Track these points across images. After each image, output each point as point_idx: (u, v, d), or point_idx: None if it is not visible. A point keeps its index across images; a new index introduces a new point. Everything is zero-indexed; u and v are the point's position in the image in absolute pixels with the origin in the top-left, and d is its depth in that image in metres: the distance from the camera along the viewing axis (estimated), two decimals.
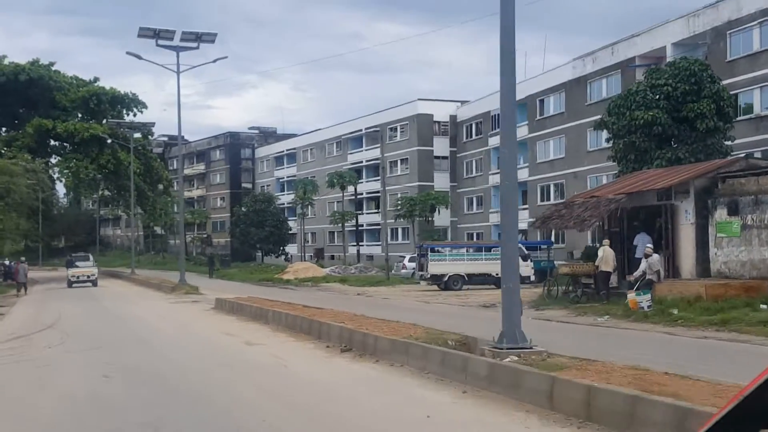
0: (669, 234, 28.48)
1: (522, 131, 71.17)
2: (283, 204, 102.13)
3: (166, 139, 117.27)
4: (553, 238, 65.82)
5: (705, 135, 38.31)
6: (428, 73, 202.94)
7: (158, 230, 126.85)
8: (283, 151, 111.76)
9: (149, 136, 75.30)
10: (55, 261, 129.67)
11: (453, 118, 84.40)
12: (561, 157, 66.08)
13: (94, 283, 55.24)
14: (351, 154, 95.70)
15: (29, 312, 34.03)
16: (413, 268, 55.70)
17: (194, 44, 43.92)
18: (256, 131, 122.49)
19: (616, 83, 59.61)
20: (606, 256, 28.84)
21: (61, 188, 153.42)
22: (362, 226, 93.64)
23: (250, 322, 24.26)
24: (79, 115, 72.67)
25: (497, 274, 46.11)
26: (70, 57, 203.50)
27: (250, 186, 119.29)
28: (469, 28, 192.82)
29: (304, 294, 44.24)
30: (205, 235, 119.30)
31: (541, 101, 69.11)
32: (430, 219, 74.83)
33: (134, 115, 75.17)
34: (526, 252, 47.20)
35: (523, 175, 71.20)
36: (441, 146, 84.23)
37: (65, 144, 72.92)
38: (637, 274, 26.92)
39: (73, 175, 70.08)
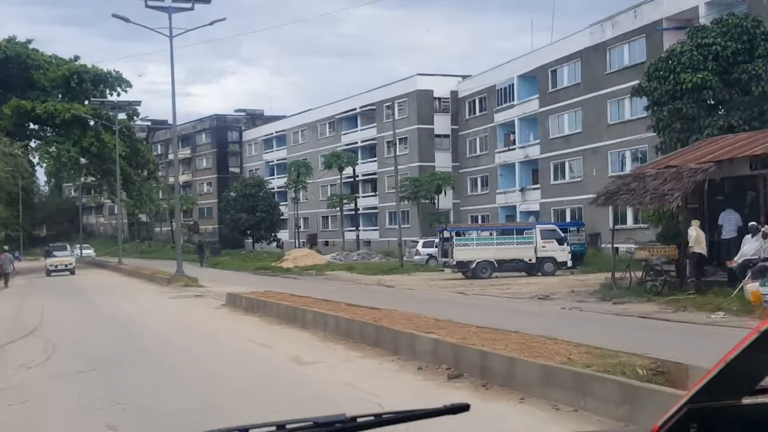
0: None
1: (532, 105, 66.46)
2: (273, 188, 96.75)
3: (149, 123, 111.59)
4: (568, 218, 60.99)
5: (760, 99, 33.57)
6: (408, 57, 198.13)
7: (143, 218, 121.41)
8: (272, 134, 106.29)
9: (135, 117, 69.74)
10: (36, 250, 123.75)
11: (454, 94, 79.26)
12: (577, 132, 61.06)
13: (72, 272, 55.92)
14: (345, 134, 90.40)
15: (7, 310, 28.83)
16: (428, 254, 50.66)
17: (188, 4, 38.53)
18: (243, 114, 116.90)
19: (641, 49, 54.63)
20: (699, 237, 23.84)
21: (41, 175, 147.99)
22: (358, 210, 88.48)
23: (282, 326, 19.04)
24: (60, 96, 67.09)
25: (530, 260, 41.60)
26: (48, 46, 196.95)
27: (237, 170, 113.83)
28: (448, 9, 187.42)
29: (314, 284, 39.13)
30: (191, 222, 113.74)
31: (554, 72, 64.03)
32: (434, 201, 69.59)
33: (118, 95, 69.71)
34: (563, 234, 42.00)
35: (534, 152, 66.51)
36: (442, 124, 79.11)
37: (46, 127, 67.30)
38: (740, 258, 22.01)
39: (55, 159, 64.61)
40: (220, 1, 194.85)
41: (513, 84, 69.14)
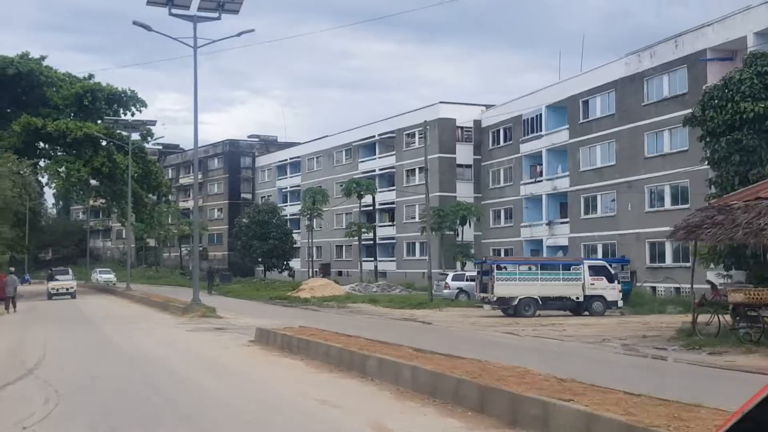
0: None
1: (561, 136, 63.25)
2: (286, 215, 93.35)
3: (160, 147, 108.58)
4: (600, 254, 57.58)
5: None
6: (418, 91, 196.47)
7: (151, 242, 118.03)
8: (286, 160, 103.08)
9: (149, 137, 66.52)
10: (41, 273, 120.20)
11: (477, 123, 76.06)
12: (610, 165, 57.76)
13: (73, 295, 56.31)
14: (362, 162, 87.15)
15: (7, 340, 25.34)
16: (458, 288, 47.09)
17: (214, 14, 35.29)
18: (257, 140, 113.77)
19: (681, 80, 51.51)
20: None
21: (50, 197, 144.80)
22: (377, 239, 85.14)
23: (336, 375, 15.42)
24: (72, 114, 63.96)
25: (577, 298, 38.07)
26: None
27: (249, 196, 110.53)
28: (457, 45, 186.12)
29: (341, 319, 35.60)
30: (200, 248, 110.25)
31: (585, 103, 60.83)
32: (457, 233, 66.15)
33: (132, 114, 66.56)
34: (613, 272, 38.38)
35: (563, 184, 63.18)
36: (464, 154, 75.83)
37: (56, 147, 64.08)
38: None
39: (64, 179, 61.29)
40: (232, 30, 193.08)
41: (541, 114, 65.97)
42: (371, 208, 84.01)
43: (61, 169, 62.44)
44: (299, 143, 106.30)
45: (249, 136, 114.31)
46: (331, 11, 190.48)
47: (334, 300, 50.60)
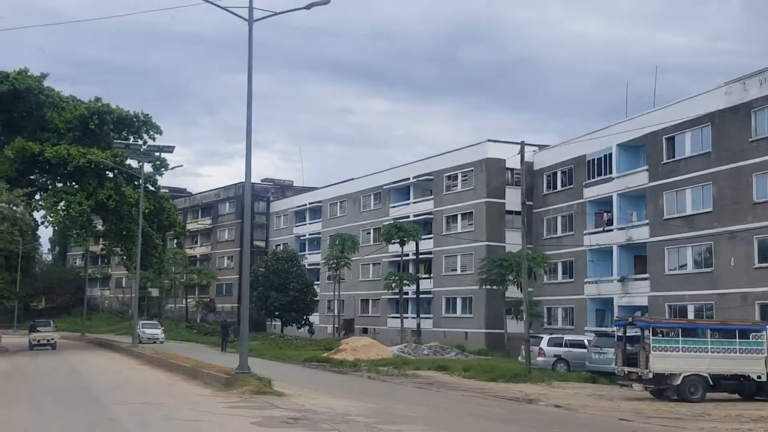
0: None
1: (637, 179, 54.31)
2: (305, 265, 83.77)
3: (167, 191, 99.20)
4: (690, 316, 48.02)
5: None
6: (416, 149, 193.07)
7: (153, 292, 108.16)
8: (305, 205, 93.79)
9: (163, 169, 57.16)
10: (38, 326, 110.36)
11: (528, 165, 66.81)
12: (705, 212, 48.64)
13: (53, 347, 56.47)
14: (394, 207, 77.89)
15: None
16: (555, 356, 37.44)
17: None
18: (271, 184, 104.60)
19: None
20: None
21: (45, 241, 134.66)
22: (407, 294, 75.61)
23: None
24: (75, 139, 54.79)
25: (758, 377, 25.91)
26: None
27: (263, 244, 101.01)
28: (454, 105, 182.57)
29: (435, 397, 26.04)
30: (207, 300, 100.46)
31: (670, 140, 51.92)
32: (518, 286, 56.52)
33: (144, 143, 57.40)
34: None
35: (640, 234, 54.05)
36: (514, 199, 66.40)
37: (56, 177, 54.75)
38: None
39: (63, 215, 52.02)
40: (233, 89, 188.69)
41: (610, 154, 57.04)
42: (406, 257, 74.62)
43: (59, 205, 52.94)
44: (316, 188, 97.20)
45: (262, 180, 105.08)
46: (330, 68, 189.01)
47: (387, 365, 41.01)
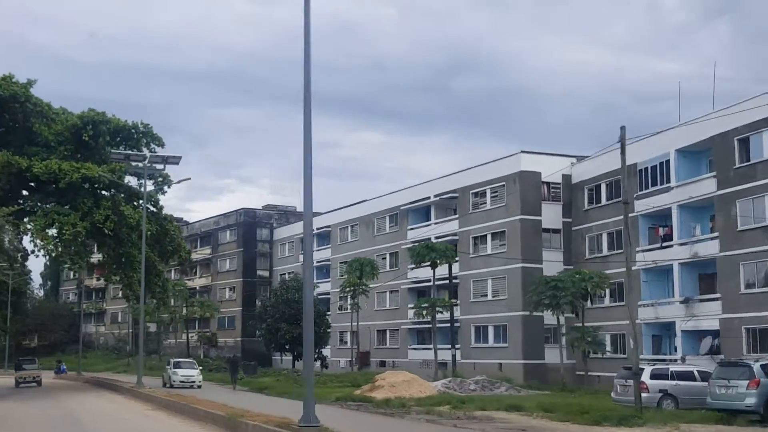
0: None
1: (703, 187, 47.51)
2: (315, 295, 76.36)
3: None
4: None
5: None
6: (408, 182, 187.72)
7: (151, 327, 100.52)
8: (313, 230, 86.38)
9: (166, 185, 50.13)
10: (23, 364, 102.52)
11: (566, 178, 60.13)
12: None
13: (39, 383, 56.81)
14: (412, 229, 70.89)
15: None
16: (661, 391, 30.24)
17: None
18: (274, 210, 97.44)
19: None
20: None
21: (36, 274, 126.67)
22: (421, 323, 68.53)
23: None
24: (68, 154, 47.70)
25: None
26: None
27: (266, 274, 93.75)
28: (447, 136, 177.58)
29: None
30: (209, 334, 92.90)
31: (744, 141, 45.16)
32: (578, 311, 49.62)
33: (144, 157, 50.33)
34: None
35: (708, 249, 47.16)
36: (552, 215, 59.69)
37: (47, 196, 47.52)
38: None
39: (57, 237, 44.84)
40: (221, 123, 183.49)
41: (668, 160, 50.25)
42: (428, 284, 67.58)
43: (51, 230, 45.66)
44: (323, 213, 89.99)
45: (264, 207, 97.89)
46: (319, 101, 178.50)
47: (436, 403, 33.85)
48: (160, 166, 42.56)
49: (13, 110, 46.42)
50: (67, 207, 45.72)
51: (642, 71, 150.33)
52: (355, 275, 63.89)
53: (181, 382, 49.25)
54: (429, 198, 68.60)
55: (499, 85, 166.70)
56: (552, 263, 58.41)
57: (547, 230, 59.43)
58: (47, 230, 44.82)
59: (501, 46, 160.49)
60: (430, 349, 67.61)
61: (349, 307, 78.04)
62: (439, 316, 58.33)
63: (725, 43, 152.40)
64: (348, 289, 65.61)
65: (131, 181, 50.33)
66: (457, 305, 64.04)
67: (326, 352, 75.22)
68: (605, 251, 55.97)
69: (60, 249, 45.54)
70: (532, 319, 57.12)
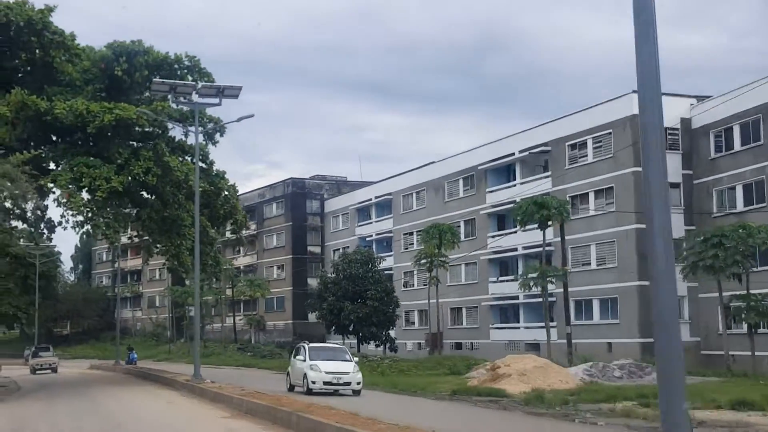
0: None
1: None
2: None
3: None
4: None
5: None
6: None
7: (190, 311, 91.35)
8: (370, 200, 76.81)
9: (220, 133, 40.35)
10: (57, 351, 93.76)
11: (685, 123, 49.99)
12: None
13: (54, 370, 56.91)
14: (492, 192, 61.08)
15: None
16: None
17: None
18: (324, 180, 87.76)
19: None
20: None
21: (67, 257, 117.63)
22: (505, 299, 58.91)
23: None
24: (98, 95, 38.05)
25: None
26: None
27: (318, 250, 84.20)
28: (471, 117, 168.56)
29: None
30: (257, 316, 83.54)
31: None
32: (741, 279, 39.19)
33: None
34: None
35: None
36: (669, 167, 49.32)
37: (75, 143, 37.76)
38: None
39: (88, 193, 35.42)
40: (249, 109, 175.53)
41: None
42: (514, 252, 57.99)
43: (80, 192, 36.04)
44: (372, 182, 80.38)
45: (311, 177, 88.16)
46: (344, 85, 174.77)
47: (607, 399, 24.17)
48: (214, 100, 32.86)
49: (29, 42, 36.89)
50: (99, 155, 36.10)
51: (668, 47, 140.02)
52: (432, 244, 54.04)
53: (327, 384, 28.58)
54: (513, 155, 58.75)
55: (525, 65, 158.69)
56: (672, 223, 48.48)
57: None
58: (75, 188, 35.21)
59: (527, 25, 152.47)
60: (517, 327, 58.20)
61: (415, 282, 68.67)
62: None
63: (755, 14, 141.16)
64: (423, 261, 55.80)
65: (175, 133, 40.74)
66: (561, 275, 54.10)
67: (392, 333, 65.54)
68: (740, 207, 45.91)
69: (92, 212, 35.83)
70: (650, 289, 47.25)
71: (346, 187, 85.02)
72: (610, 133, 50.54)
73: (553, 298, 54.60)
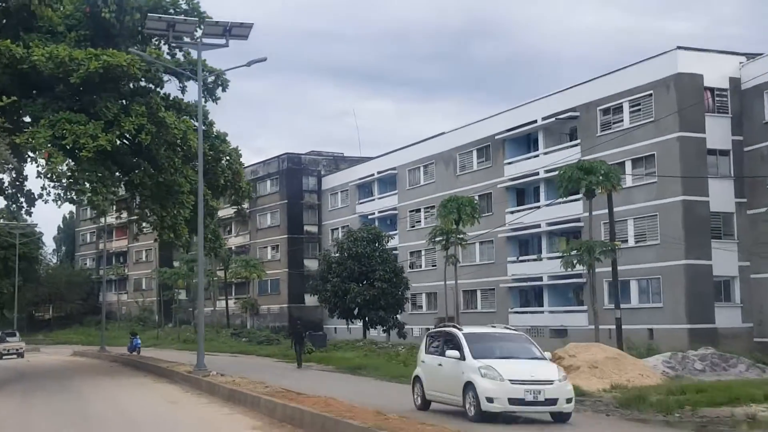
0: None
1: None
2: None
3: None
4: None
5: None
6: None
7: (179, 294, 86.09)
8: (372, 175, 71.40)
9: (222, 87, 34.68)
10: (39, 337, 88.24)
11: (734, 83, 44.83)
12: None
13: (21, 356, 56.81)
14: (510, 163, 55.88)
15: None
16: None
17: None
18: (321, 156, 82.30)
19: None
20: None
21: (49, 237, 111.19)
22: (526, 280, 53.86)
23: None
24: (83, 42, 32.42)
25: None
26: None
27: (315, 229, 78.81)
28: (457, 103, 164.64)
29: None
30: (251, 300, 78.12)
31: None
32: None
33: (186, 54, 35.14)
34: None
35: None
36: (718, 132, 44.47)
37: (58, 102, 31.92)
38: None
39: (70, 154, 29.93)
40: (230, 95, 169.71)
41: None
42: (537, 229, 52.94)
43: (63, 142, 30.29)
44: (370, 157, 75.11)
45: (307, 153, 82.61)
46: (329, 70, 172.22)
47: (715, 402, 19.01)
48: (220, 41, 27.36)
49: None
50: (84, 110, 30.56)
51: (655, 32, 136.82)
52: (450, 219, 48.74)
53: (517, 403, 16.45)
54: (535, 122, 53.46)
55: (513, 51, 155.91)
56: (721, 195, 43.64)
57: (713, 152, 44.29)
58: (57, 149, 29.64)
59: (515, 11, 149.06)
60: (540, 312, 53.06)
61: (423, 263, 63.59)
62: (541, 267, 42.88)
63: (739, 3, 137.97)
64: (439, 238, 50.52)
65: (170, 89, 35.26)
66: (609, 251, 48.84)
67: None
68: None
69: (76, 174, 30.26)
70: (698, 269, 42.42)
71: (344, 163, 79.65)
72: (650, 95, 45.34)
73: (582, 279, 49.60)
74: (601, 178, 36.32)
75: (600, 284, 47.92)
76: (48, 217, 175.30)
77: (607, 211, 40.29)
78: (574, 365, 25.66)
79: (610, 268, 40.40)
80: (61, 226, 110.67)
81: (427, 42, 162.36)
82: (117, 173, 33.83)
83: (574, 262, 37.53)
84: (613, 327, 43.07)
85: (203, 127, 34.61)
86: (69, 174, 29.57)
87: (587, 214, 48.69)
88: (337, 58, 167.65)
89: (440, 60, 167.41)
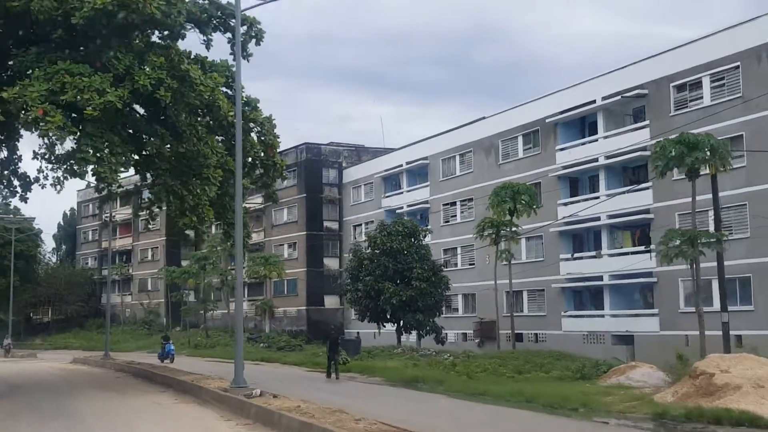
0: None
1: None
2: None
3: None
4: None
5: None
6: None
7: (188, 295, 79.83)
8: (400, 166, 65.09)
9: (257, 40, 28.23)
10: (36, 341, 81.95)
11: None
12: None
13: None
14: (563, 149, 49.57)
15: None
16: None
17: None
18: (342, 147, 76.01)
19: None
20: None
21: (48, 236, 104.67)
22: (583, 280, 47.43)
23: None
24: None
25: None
26: None
27: (335, 226, 72.49)
28: (456, 108, 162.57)
29: None
30: (268, 302, 71.72)
31: None
32: None
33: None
34: None
35: None
36: None
37: (56, 51, 25.49)
38: None
39: (72, 110, 23.61)
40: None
41: None
42: (584, 225, 46.63)
43: (62, 97, 23.72)
44: (392, 148, 69.00)
45: (327, 144, 76.25)
46: (329, 74, 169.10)
47: None
48: None
49: None
50: (89, 61, 24.24)
51: (657, 39, 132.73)
52: (503, 209, 42.41)
53: None
54: (593, 102, 47.16)
55: (514, 57, 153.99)
56: None
57: None
58: (53, 107, 23.29)
59: (516, 17, 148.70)
60: (600, 316, 46.77)
61: (459, 261, 57.44)
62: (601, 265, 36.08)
63: (736, 8, 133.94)
64: (488, 231, 44.21)
65: (190, 44, 28.86)
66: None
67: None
68: None
69: (76, 136, 23.86)
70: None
71: (367, 154, 73.43)
72: (737, 68, 39.09)
73: (653, 279, 43.34)
74: (708, 154, 29.82)
75: (674, 284, 41.80)
76: (48, 214, 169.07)
77: (685, 200, 34.08)
78: (731, 383, 19.38)
79: (685, 266, 34.25)
80: (62, 223, 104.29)
81: (429, 46, 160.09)
82: (128, 142, 27.18)
83: (673, 255, 30.99)
84: (691, 332, 36.99)
85: (228, 92, 28.39)
86: (69, 134, 23.03)
87: (658, 204, 42.78)
88: (337, 62, 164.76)
89: (441, 64, 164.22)
